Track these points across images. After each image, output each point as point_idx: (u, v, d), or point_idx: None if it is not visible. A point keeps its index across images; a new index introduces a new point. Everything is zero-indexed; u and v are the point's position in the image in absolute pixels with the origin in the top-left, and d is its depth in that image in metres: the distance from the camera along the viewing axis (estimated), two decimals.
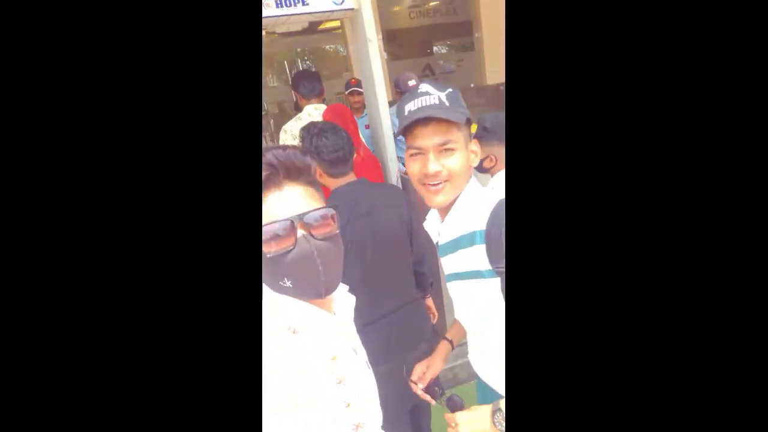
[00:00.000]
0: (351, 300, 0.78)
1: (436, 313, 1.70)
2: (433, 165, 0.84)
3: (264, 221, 0.63)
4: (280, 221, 0.62)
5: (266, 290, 0.69)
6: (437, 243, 1.00)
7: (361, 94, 3.06)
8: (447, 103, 0.84)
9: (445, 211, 0.94)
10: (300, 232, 0.63)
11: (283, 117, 5.40)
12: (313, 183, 0.70)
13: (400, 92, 2.80)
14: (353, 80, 3.16)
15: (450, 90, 0.86)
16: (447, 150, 0.84)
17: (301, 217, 0.63)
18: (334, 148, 1.33)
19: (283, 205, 0.64)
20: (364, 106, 3.09)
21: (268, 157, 0.64)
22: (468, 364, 1.10)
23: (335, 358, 0.68)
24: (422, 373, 1.07)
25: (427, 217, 1.03)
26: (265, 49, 5.01)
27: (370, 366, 0.80)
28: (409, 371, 1.11)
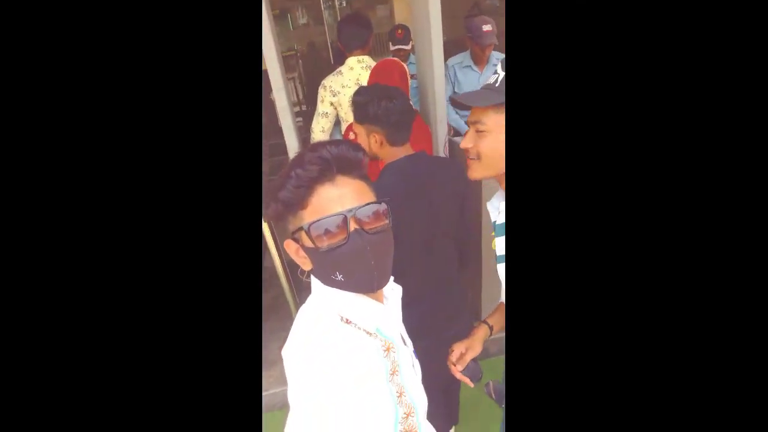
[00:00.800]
0: (398, 290, 0.79)
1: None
2: (466, 141, 0.89)
3: (318, 215, 0.63)
4: (333, 215, 0.63)
5: (315, 282, 0.70)
6: (494, 222, 0.99)
7: (406, 50, 2.75)
8: (496, 85, 0.86)
9: None
10: (352, 227, 0.63)
11: (312, 57, 5.03)
12: (364, 177, 0.70)
13: (470, 37, 2.48)
14: (399, 31, 2.78)
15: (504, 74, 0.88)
16: (479, 131, 0.87)
17: (353, 211, 0.63)
18: (401, 110, 1.25)
19: (337, 198, 0.64)
20: (407, 56, 2.81)
21: (321, 152, 0.64)
22: (498, 339, 1.15)
23: (389, 349, 0.70)
24: (461, 354, 1.06)
25: (493, 198, 1.02)
26: None
27: (416, 358, 0.82)
28: (447, 351, 1.09)
